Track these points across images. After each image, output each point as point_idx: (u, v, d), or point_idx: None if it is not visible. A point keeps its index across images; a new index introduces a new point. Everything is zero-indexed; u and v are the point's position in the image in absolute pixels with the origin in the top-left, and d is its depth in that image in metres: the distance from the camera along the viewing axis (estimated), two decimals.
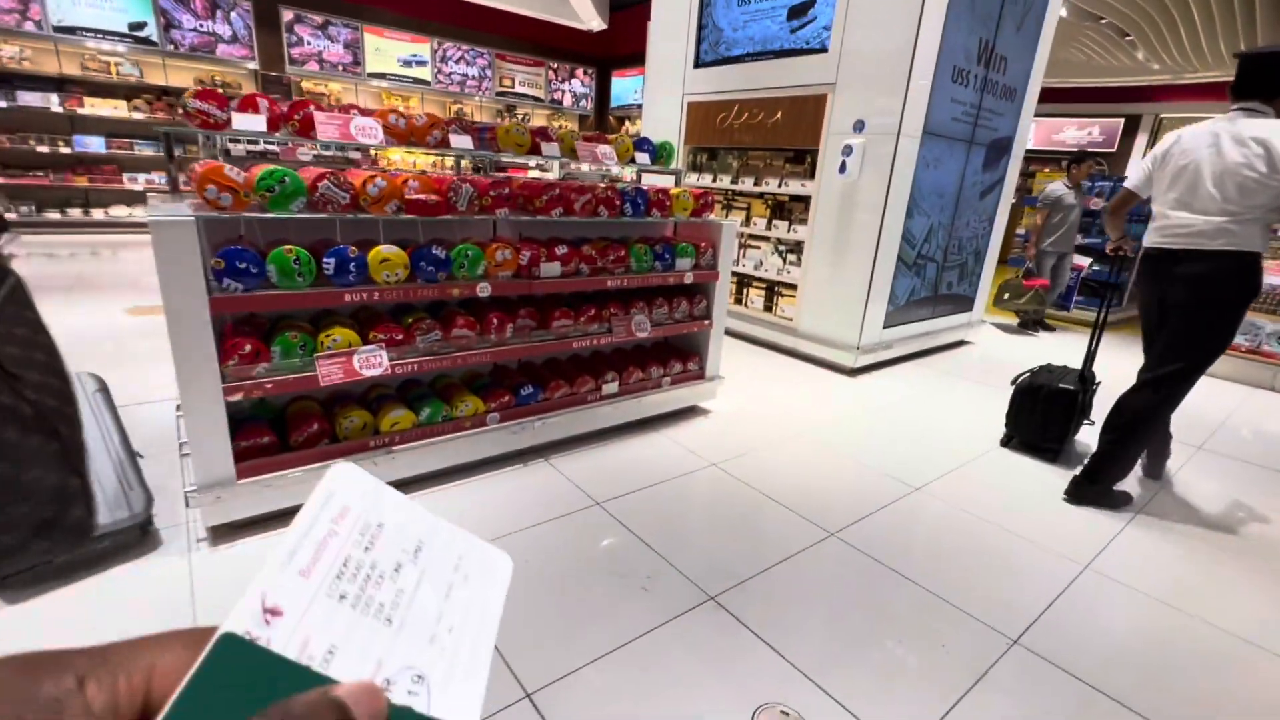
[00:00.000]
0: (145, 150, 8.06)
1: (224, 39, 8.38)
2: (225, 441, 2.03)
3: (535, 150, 2.78)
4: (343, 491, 0.33)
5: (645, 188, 3.03)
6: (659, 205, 3.01)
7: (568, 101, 12.10)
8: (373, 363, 2.24)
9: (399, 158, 8.66)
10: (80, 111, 7.63)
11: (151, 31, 7.91)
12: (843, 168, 4.20)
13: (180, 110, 2.03)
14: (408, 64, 10.03)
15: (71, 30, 7.49)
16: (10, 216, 7.42)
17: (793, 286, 4.86)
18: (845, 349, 4.42)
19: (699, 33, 5.23)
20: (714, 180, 5.40)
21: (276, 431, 2.26)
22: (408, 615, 0.32)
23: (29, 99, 7.36)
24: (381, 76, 9.77)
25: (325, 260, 2.09)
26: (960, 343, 5.65)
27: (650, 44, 5.84)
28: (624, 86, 12.03)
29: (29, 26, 7.27)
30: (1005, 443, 3.40)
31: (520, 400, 2.78)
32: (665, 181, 3.91)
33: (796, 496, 2.70)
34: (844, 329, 4.45)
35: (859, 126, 4.16)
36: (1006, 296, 6.39)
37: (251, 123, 2.09)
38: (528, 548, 2.20)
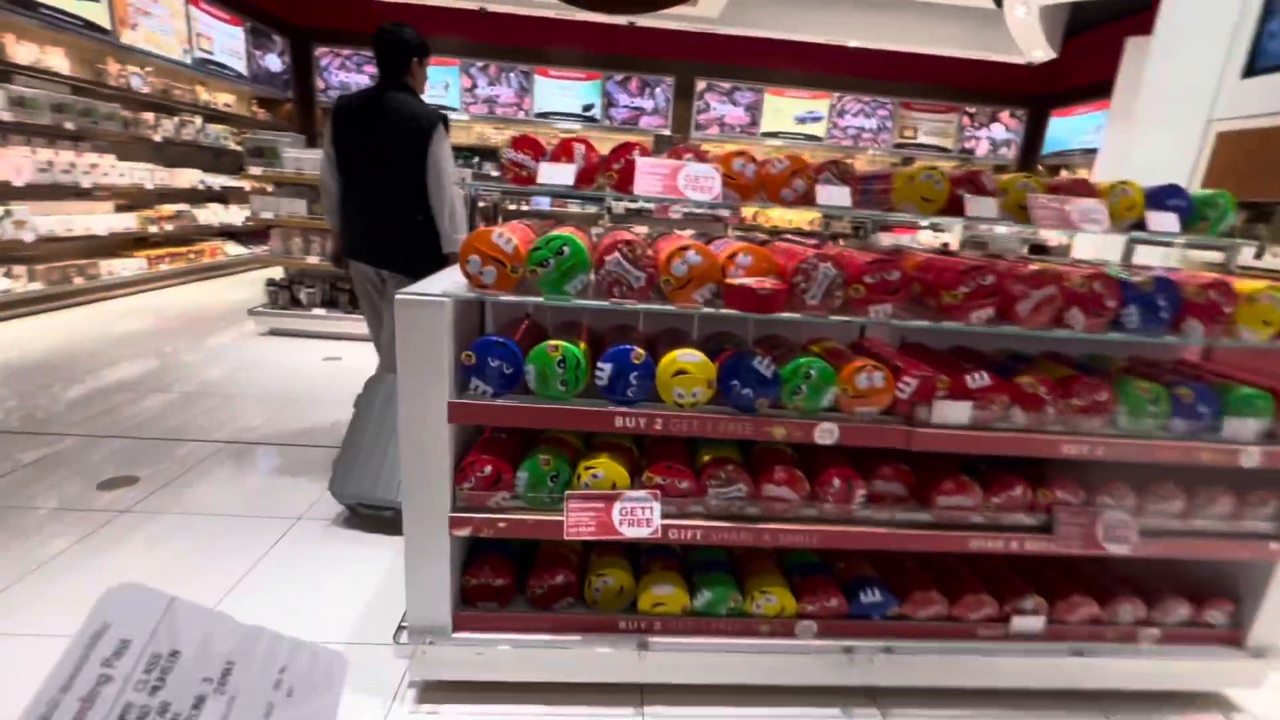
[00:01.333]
0: (574, 208, 9.62)
1: (646, 111, 9.47)
2: (445, 583, 1.54)
3: (954, 208, 1.68)
4: (121, 622, 0.29)
5: (1170, 276, 1.60)
6: (1203, 310, 1.55)
7: (982, 150, 10.15)
8: (638, 518, 1.50)
9: (785, 217, 8.33)
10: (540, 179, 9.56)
11: (596, 110, 9.43)
12: None
13: (499, 163, 1.69)
14: (803, 120, 9.78)
15: (546, 115, 9.44)
16: None
17: None
18: None
19: (1264, 13, 3.22)
20: (1258, 256, 3.25)
21: (520, 568, 1.72)
22: None
23: None
24: (775, 135, 9.73)
25: (600, 365, 1.44)
26: None
27: (1148, 55, 3.98)
28: (1066, 128, 9.46)
29: (520, 115, 9.43)
30: None
31: (857, 609, 1.68)
32: (1154, 257, 2.27)
33: None
34: None
35: None
36: None
37: (559, 174, 1.60)
38: None
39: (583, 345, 1.50)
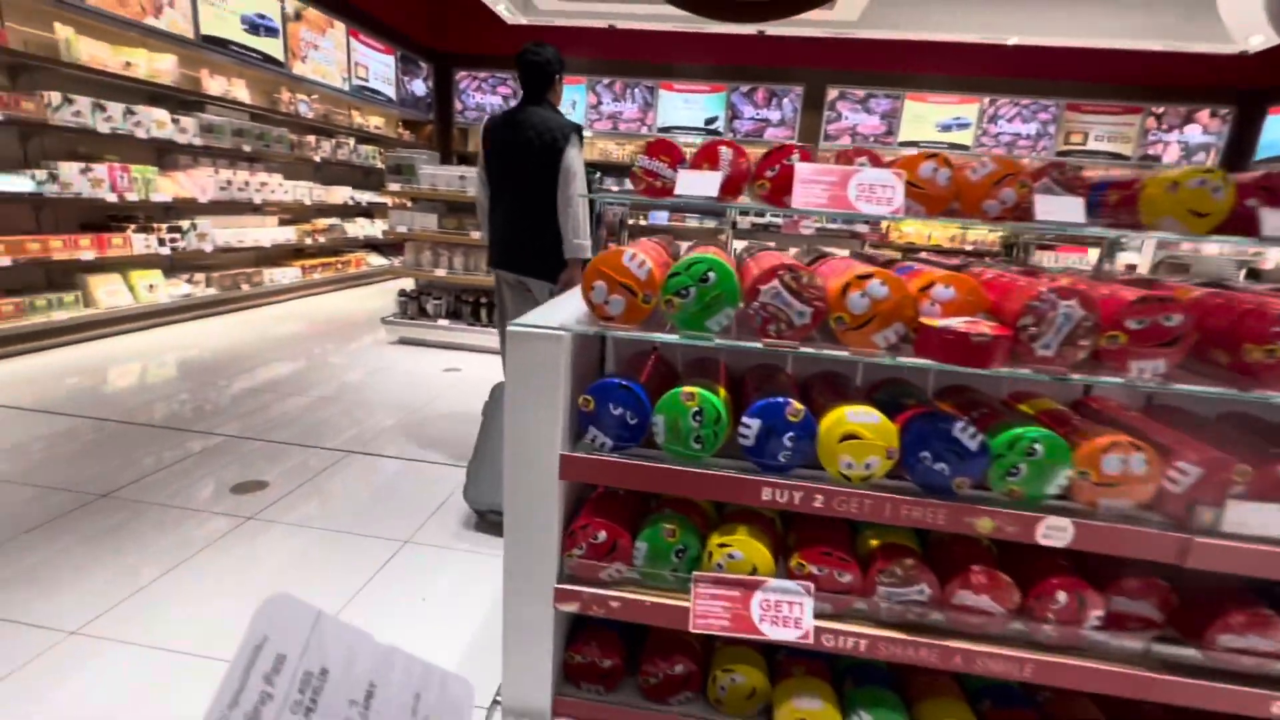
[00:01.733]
0: (692, 223, 9.41)
1: (772, 123, 9.08)
2: (547, 662, 1.31)
3: (1241, 224, 1.21)
4: (277, 636, 0.29)
5: None
6: None
7: (1170, 156, 8.70)
8: (784, 616, 1.18)
9: (921, 231, 7.60)
10: (678, 190, 9.51)
11: (719, 124, 9.18)
12: None
13: (631, 173, 1.46)
14: (946, 128, 8.91)
15: (668, 129, 9.33)
16: None
17: None
18: None
19: None
20: None
21: (630, 645, 1.46)
22: None
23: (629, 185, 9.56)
24: (914, 144, 8.94)
25: (745, 421, 1.15)
26: None
27: None
28: None
29: (643, 130, 9.40)
30: None
31: None
32: None
33: None
34: None
35: None
36: None
37: (701, 184, 1.34)
38: None
39: (723, 393, 1.22)
